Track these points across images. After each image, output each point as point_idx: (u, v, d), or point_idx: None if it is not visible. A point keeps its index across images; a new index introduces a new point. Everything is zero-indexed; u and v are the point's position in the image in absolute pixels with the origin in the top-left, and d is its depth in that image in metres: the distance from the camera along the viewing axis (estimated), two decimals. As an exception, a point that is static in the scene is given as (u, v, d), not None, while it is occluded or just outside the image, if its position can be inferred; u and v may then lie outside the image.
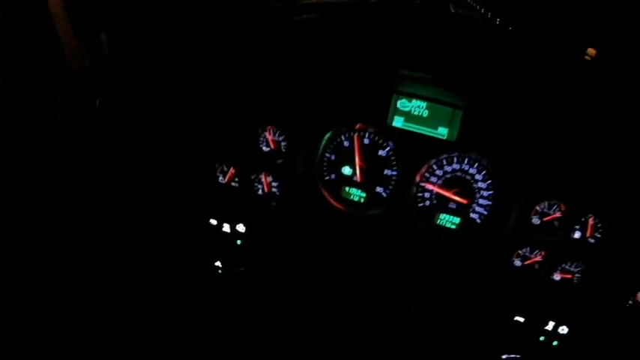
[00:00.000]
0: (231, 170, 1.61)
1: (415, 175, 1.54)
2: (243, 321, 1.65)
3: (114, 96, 1.55)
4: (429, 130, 1.48)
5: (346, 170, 1.57)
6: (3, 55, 1.24)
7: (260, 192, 1.62)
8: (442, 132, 1.47)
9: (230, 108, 1.55)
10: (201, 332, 1.61)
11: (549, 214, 1.57)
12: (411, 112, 1.47)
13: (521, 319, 1.68)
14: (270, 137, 1.56)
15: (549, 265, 1.63)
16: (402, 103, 1.47)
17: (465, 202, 1.56)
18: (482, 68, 1.45)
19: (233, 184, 1.62)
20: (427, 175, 1.54)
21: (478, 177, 1.55)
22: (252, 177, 1.60)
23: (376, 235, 1.58)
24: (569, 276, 1.64)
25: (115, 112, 1.57)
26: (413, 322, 1.68)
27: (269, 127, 1.55)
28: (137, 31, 1.56)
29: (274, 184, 1.60)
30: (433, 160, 1.53)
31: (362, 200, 1.59)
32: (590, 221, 1.58)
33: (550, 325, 1.68)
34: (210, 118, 1.57)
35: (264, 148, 1.58)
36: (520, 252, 1.62)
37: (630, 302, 1.67)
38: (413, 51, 1.47)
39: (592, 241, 1.60)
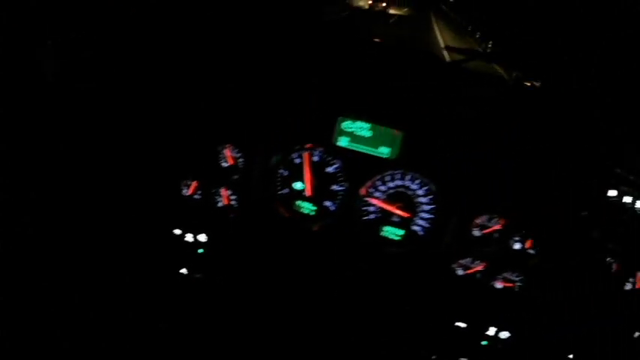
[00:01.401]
0: (194, 183, 1.74)
1: (360, 191, 1.66)
2: (205, 324, 1.77)
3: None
4: (372, 149, 1.60)
5: (298, 185, 1.69)
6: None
7: (220, 204, 1.75)
8: (383, 151, 1.59)
9: (194, 128, 1.69)
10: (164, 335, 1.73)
11: (489, 227, 1.68)
12: (354, 132, 1.59)
13: (463, 325, 1.78)
14: (228, 154, 1.69)
15: (490, 274, 1.75)
16: (347, 125, 1.59)
17: (407, 215, 1.68)
18: (422, 101, 1.57)
19: (196, 196, 1.75)
20: (371, 190, 1.67)
21: (419, 192, 1.67)
22: (213, 190, 1.73)
23: (325, 246, 1.70)
24: (510, 284, 1.76)
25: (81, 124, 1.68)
26: (359, 327, 1.80)
27: (228, 145, 1.68)
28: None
29: (233, 197, 1.73)
30: (377, 177, 1.65)
31: (312, 213, 1.72)
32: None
33: (492, 331, 1.79)
34: (176, 137, 1.70)
35: (224, 164, 1.71)
36: (462, 262, 1.73)
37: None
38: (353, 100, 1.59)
39: (532, 252, 1.71)
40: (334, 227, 1.69)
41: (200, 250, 1.76)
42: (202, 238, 1.75)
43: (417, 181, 1.66)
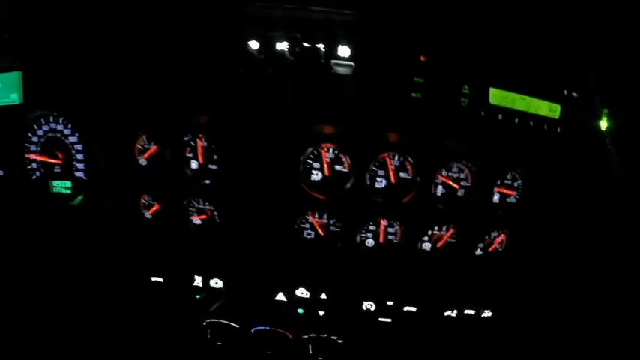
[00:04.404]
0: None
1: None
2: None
3: None
4: (4, 100, 1.42)
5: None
6: None
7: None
8: (14, 98, 1.42)
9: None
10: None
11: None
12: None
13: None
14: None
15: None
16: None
17: (59, 162, 1.42)
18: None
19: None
20: (28, 145, 1.47)
21: (67, 132, 1.41)
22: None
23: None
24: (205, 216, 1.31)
25: None
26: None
27: None
28: None
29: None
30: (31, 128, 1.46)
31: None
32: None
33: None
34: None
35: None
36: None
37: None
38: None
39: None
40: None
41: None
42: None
43: (62, 121, 1.41)
